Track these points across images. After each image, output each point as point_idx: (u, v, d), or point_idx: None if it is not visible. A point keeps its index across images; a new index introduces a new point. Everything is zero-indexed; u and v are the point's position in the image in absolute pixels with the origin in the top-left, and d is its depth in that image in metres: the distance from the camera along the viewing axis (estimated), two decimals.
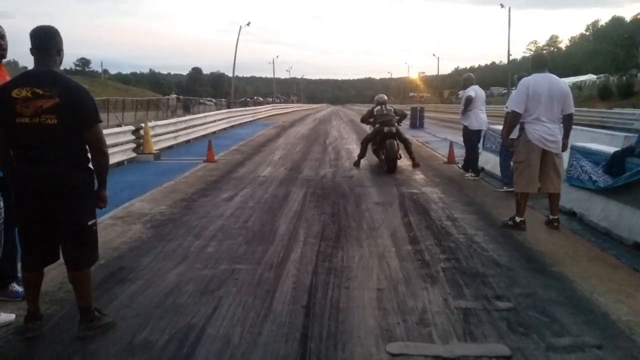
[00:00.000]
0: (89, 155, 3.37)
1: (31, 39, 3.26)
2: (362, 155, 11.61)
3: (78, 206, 3.30)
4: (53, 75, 3.23)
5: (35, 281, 3.41)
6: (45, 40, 3.28)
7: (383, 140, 10.91)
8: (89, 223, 3.38)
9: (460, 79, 10.78)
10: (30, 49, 3.27)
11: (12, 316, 3.58)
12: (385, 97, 12.08)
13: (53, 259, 3.44)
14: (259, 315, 3.72)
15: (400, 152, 11.08)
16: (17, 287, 3.94)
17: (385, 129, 10.88)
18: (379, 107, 11.54)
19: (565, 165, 6.93)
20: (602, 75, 57.28)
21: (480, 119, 9.81)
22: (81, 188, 3.31)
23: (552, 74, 6.05)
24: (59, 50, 3.33)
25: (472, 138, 9.96)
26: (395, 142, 10.81)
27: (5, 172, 3.36)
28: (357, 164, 11.53)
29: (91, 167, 3.39)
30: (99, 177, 3.43)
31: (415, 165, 11.22)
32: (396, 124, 11.20)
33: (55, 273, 4.21)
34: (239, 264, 4.85)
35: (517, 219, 6.06)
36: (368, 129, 12.56)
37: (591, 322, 3.65)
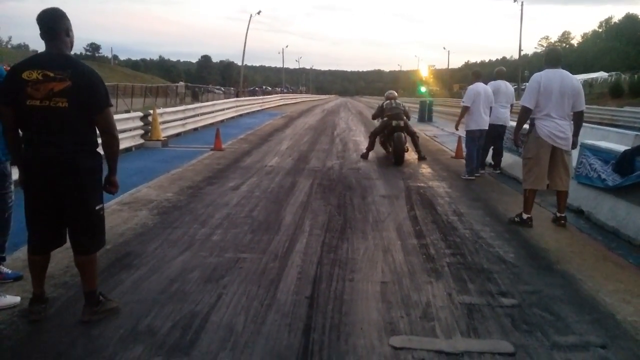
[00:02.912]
0: (98, 140, 3.36)
1: (38, 23, 3.24)
2: (370, 147, 11.73)
3: (86, 190, 3.29)
4: (65, 58, 3.22)
5: (41, 264, 3.42)
6: (53, 23, 3.25)
7: (391, 133, 11.08)
8: (97, 208, 3.38)
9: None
10: (40, 34, 3.24)
11: (17, 299, 3.61)
12: (396, 94, 12.22)
13: (60, 243, 3.45)
14: (262, 304, 3.73)
15: (407, 145, 11.17)
16: (6, 270, 3.98)
17: (394, 122, 11.02)
18: (388, 102, 11.67)
19: (574, 162, 6.89)
20: (613, 73, 56.68)
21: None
22: (89, 172, 3.30)
23: (564, 70, 5.99)
24: (67, 31, 3.30)
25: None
26: (403, 135, 10.99)
27: (14, 154, 3.36)
28: (365, 156, 11.63)
29: (100, 151, 3.38)
30: (109, 161, 3.43)
31: (420, 158, 11.33)
32: (404, 118, 11.29)
33: (61, 257, 4.23)
34: (244, 252, 4.86)
35: (525, 216, 6.03)
36: (376, 122, 12.71)
37: (596, 321, 3.63)
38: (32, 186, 3.27)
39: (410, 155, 11.60)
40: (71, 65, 3.18)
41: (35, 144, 3.20)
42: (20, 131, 3.29)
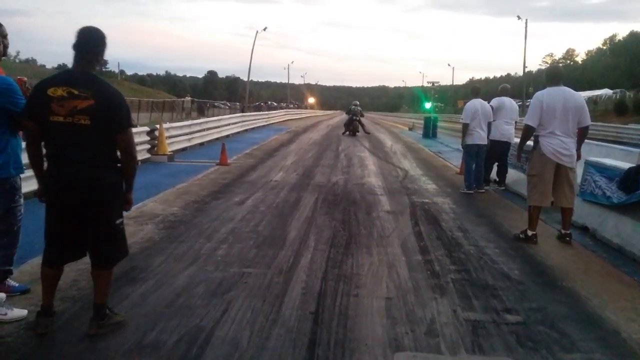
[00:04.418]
0: (118, 156, 3.41)
1: (77, 37, 3.28)
2: (346, 131, 24.76)
3: (107, 206, 3.36)
4: (90, 77, 3.28)
5: (53, 277, 3.46)
6: (90, 44, 3.32)
7: (352, 122, 24.50)
8: (117, 222, 3.44)
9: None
10: (73, 45, 3.29)
11: (24, 312, 3.63)
12: (358, 102, 25.69)
13: (76, 257, 3.51)
14: (267, 319, 3.74)
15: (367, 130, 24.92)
16: (14, 283, 4.01)
17: (354, 117, 24.48)
18: (353, 107, 24.89)
19: (578, 179, 6.89)
20: (618, 90, 56.72)
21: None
22: (110, 188, 3.36)
23: (566, 87, 6.03)
24: (99, 55, 3.36)
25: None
26: (358, 124, 24.42)
27: (35, 167, 3.42)
28: (343, 134, 24.48)
29: (119, 167, 3.43)
30: (126, 179, 3.47)
31: (365, 132, 24.78)
32: (359, 116, 24.63)
33: (68, 270, 4.22)
34: (249, 267, 4.87)
35: (529, 233, 6.02)
36: (345, 115, 26.77)
37: (601, 339, 3.62)
38: (54, 201, 3.34)
39: (415, 171, 11.91)
40: (95, 85, 3.25)
41: (58, 160, 3.27)
42: (43, 148, 3.35)
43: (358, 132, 24.48)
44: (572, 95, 5.95)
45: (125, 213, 3.58)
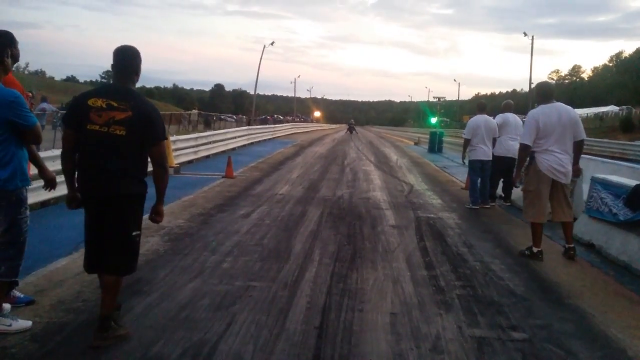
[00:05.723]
0: (145, 170, 3.51)
1: (115, 57, 3.47)
2: (347, 131, 48.14)
3: (128, 217, 3.44)
4: (129, 91, 3.43)
5: (100, 281, 3.57)
6: (126, 62, 3.49)
7: (349, 128, 48.63)
8: (134, 234, 3.49)
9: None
10: (112, 65, 3.49)
11: (29, 323, 3.63)
12: (353, 119, 54.44)
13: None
14: (271, 333, 3.72)
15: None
16: (19, 294, 4.02)
17: (351, 127, 48.49)
18: (351, 121, 52.05)
19: (584, 196, 6.87)
20: (624, 107, 56.67)
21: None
22: (134, 199, 3.45)
23: (559, 103, 6.05)
24: (137, 71, 3.53)
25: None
26: (353, 128, 48.16)
27: (67, 174, 3.50)
28: (345, 133, 47.39)
29: (145, 180, 3.52)
30: (158, 191, 3.56)
31: (355, 132, 47.78)
32: (354, 126, 49.35)
33: (73, 282, 4.28)
34: (254, 281, 4.86)
35: (535, 249, 5.99)
36: (344, 128, 52.47)
37: (607, 357, 3.59)
38: (85, 209, 3.46)
39: (420, 186, 11.94)
40: (133, 98, 3.39)
41: (88, 168, 3.37)
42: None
43: (352, 133, 45.21)
44: (566, 111, 5.97)
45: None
